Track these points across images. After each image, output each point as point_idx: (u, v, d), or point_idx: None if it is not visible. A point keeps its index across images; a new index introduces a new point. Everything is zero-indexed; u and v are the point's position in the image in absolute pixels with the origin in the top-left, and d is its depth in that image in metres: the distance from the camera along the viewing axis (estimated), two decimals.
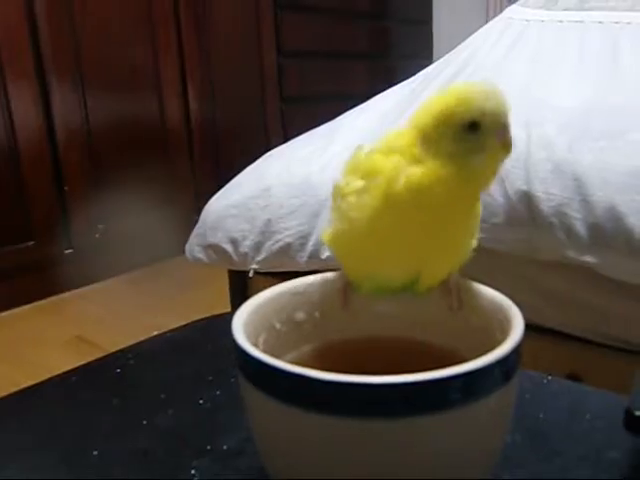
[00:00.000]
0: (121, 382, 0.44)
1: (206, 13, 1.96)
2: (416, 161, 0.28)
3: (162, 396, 0.41)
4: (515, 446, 0.35)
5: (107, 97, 1.74)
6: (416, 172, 0.28)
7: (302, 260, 0.94)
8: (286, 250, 0.95)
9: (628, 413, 0.31)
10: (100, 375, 0.45)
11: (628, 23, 0.99)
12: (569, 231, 0.71)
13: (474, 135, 0.28)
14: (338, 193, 0.31)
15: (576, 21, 1.05)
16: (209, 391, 0.42)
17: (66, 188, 1.68)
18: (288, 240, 0.95)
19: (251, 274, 1.04)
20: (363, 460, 0.24)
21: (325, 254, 0.91)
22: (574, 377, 0.77)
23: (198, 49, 1.96)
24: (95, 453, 0.35)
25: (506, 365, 0.25)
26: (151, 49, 1.83)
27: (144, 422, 0.38)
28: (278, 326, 0.31)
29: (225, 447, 0.36)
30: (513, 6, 1.20)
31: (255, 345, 0.29)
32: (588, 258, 0.70)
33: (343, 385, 0.22)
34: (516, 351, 0.26)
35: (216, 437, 0.37)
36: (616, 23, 1.00)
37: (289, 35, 2.26)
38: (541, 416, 0.38)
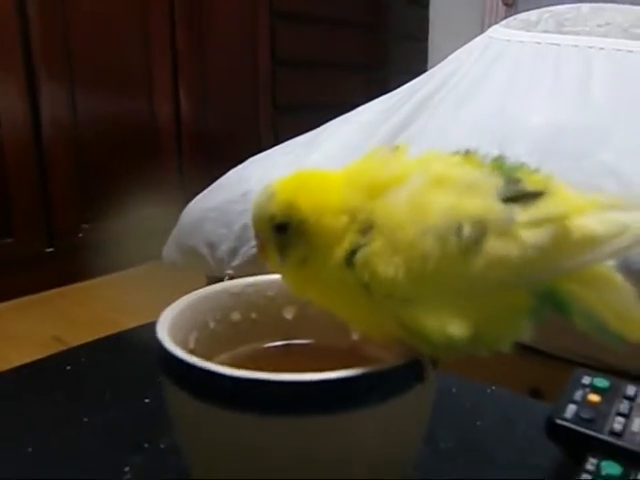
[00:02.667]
0: (70, 379, 0.44)
1: (202, 16, 1.96)
2: None
3: (108, 394, 0.42)
4: (448, 452, 0.36)
5: (97, 95, 1.73)
6: None
7: None
8: None
9: (549, 421, 0.32)
10: (51, 371, 0.46)
11: (601, 48, 1.02)
12: None
13: None
14: None
15: (553, 44, 1.07)
16: (157, 390, 0.42)
17: (50, 185, 1.66)
18: None
19: (226, 279, 1.04)
20: (273, 457, 0.24)
21: None
22: (535, 393, 0.77)
23: (192, 52, 1.96)
24: (30, 450, 0.36)
25: (415, 367, 0.26)
26: (144, 49, 1.82)
27: (85, 419, 0.39)
28: (212, 325, 0.32)
29: (162, 445, 0.36)
30: (496, 26, 1.23)
31: (185, 342, 0.30)
32: None
33: (249, 381, 0.23)
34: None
35: (155, 435, 0.37)
36: (590, 47, 1.03)
37: (285, 43, 2.28)
38: (478, 424, 0.39)
